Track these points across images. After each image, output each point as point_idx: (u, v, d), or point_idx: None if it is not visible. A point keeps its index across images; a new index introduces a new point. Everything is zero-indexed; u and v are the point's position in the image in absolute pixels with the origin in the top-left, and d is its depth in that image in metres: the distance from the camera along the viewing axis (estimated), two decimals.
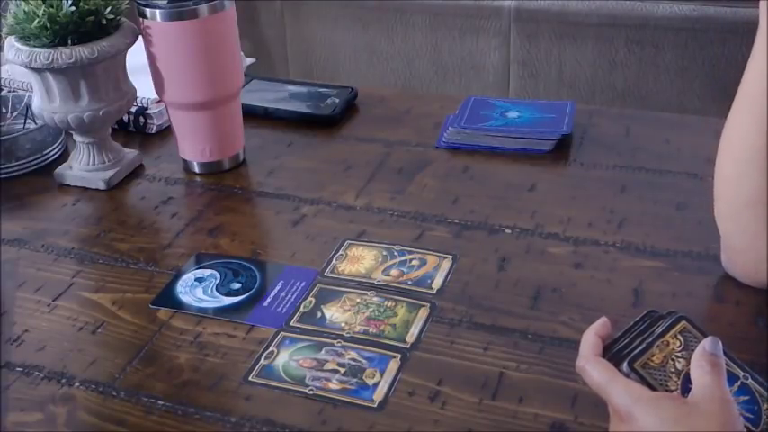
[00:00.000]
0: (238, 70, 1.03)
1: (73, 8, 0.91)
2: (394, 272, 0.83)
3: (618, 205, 0.93)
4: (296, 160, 1.07)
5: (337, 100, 1.17)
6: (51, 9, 0.91)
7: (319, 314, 0.79)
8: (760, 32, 0.70)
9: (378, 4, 1.95)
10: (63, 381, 0.73)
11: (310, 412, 0.68)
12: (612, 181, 0.97)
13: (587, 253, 0.85)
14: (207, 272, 0.86)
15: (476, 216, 0.92)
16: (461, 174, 1.01)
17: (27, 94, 1.15)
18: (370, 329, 0.76)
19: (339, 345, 0.75)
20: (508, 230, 0.89)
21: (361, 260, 0.85)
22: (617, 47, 1.78)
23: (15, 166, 1.05)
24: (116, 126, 1.13)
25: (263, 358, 0.74)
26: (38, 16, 0.91)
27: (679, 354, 0.58)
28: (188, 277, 0.85)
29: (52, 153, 1.08)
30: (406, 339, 0.75)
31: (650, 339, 0.59)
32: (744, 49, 1.66)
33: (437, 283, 0.82)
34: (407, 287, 0.81)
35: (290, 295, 0.81)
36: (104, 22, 0.94)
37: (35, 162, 1.06)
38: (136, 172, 1.05)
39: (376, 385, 0.70)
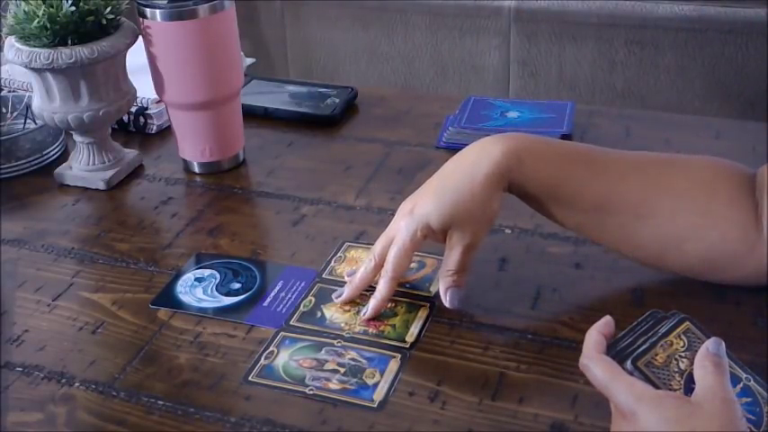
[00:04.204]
0: (238, 70, 1.03)
1: (73, 8, 0.91)
2: None
3: None
4: (296, 160, 1.07)
5: (337, 100, 1.17)
6: (51, 9, 0.91)
7: (319, 314, 0.78)
8: None
9: (378, 4, 1.95)
10: (63, 381, 0.73)
11: (310, 412, 0.68)
12: None
13: (587, 253, 0.85)
14: (207, 272, 0.85)
15: None
16: None
17: (27, 94, 1.14)
18: (370, 329, 0.76)
19: (339, 345, 0.75)
20: (508, 230, 0.89)
21: (359, 263, 0.85)
22: (617, 47, 1.78)
23: (15, 166, 1.05)
24: (116, 126, 1.13)
25: (263, 358, 0.74)
26: (38, 16, 0.91)
27: (682, 354, 0.58)
28: (188, 277, 0.85)
29: (52, 153, 1.08)
30: (406, 339, 0.75)
31: (654, 339, 0.58)
32: (744, 49, 1.66)
33: (435, 286, 0.81)
34: (405, 290, 0.81)
35: (289, 295, 0.81)
36: (104, 22, 0.94)
37: (35, 162, 1.06)
38: (136, 172, 1.05)
39: (376, 385, 0.70)
